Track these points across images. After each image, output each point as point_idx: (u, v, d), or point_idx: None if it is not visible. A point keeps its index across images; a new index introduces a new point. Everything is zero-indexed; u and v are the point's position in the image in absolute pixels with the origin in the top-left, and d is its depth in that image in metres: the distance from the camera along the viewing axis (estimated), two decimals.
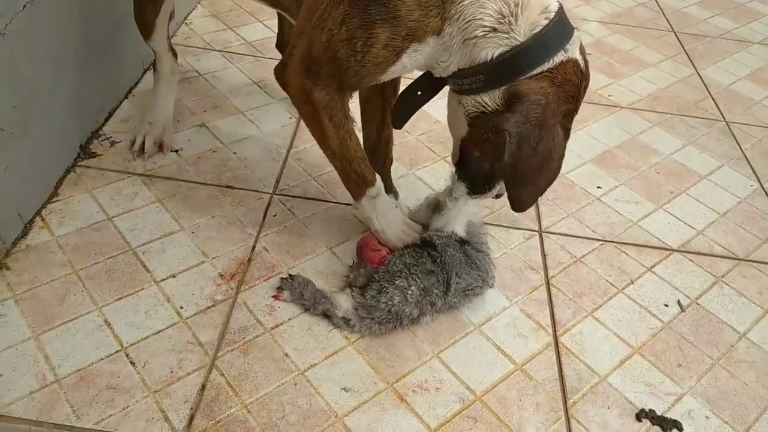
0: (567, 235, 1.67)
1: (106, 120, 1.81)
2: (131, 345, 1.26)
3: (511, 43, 1.12)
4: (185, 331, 1.30)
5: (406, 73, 1.29)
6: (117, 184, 1.62)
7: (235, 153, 1.77)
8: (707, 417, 1.29)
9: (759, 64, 2.62)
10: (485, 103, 1.18)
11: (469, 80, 1.17)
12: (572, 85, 1.16)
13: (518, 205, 1.31)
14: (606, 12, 2.88)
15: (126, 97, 1.92)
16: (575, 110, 1.22)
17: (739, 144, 2.11)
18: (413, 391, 1.26)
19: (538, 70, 1.13)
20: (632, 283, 1.56)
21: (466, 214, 1.42)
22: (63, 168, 1.62)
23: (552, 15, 1.13)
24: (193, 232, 1.51)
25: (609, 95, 2.27)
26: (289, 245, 1.52)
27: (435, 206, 1.48)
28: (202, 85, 2.02)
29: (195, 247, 1.48)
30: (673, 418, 1.28)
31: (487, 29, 1.11)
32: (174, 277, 1.40)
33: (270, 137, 1.85)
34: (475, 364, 1.33)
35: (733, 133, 2.16)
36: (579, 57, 1.18)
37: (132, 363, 1.23)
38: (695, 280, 1.59)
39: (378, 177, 1.41)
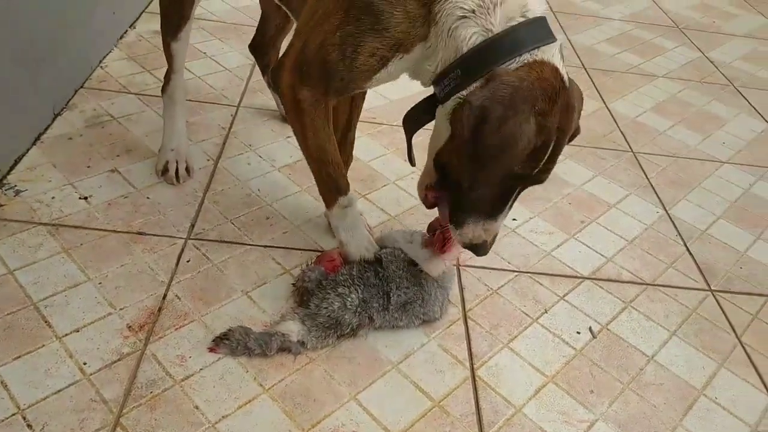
0: (484, 267, 1.70)
1: (11, 168, 1.75)
2: (29, 406, 1.20)
3: (486, 30, 1.14)
4: (88, 388, 1.24)
5: (393, 80, 1.32)
6: (20, 235, 1.55)
7: (148, 198, 1.74)
8: None
9: (663, 96, 2.78)
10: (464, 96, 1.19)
11: (448, 79, 1.19)
12: (548, 84, 1.12)
13: (474, 195, 1.22)
14: None
15: (34, 143, 1.85)
16: (551, 113, 1.13)
17: (645, 173, 2.22)
18: None
19: (513, 63, 1.14)
20: (546, 312, 1.60)
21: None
22: None
23: (529, 16, 1.16)
24: (100, 283, 1.46)
25: None
26: (203, 291, 1.49)
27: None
28: (116, 129, 1.98)
29: (102, 298, 1.43)
30: None
31: (466, 10, 1.14)
32: (78, 331, 1.35)
33: (186, 180, 1.82)
34: (393, 403, 1.33)
35: (639, 163, 2.28)
36: (559, 64, 1.16)
37: (29, 426, 1.17)
38: (605, 306, 1.65)
39: (351, 189, 1.47)
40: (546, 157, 1.18)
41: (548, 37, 1.16)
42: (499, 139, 1.12)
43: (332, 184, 1.44)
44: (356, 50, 1.20)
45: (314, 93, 1.30)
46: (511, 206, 1.28)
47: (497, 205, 1.25)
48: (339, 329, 1.38)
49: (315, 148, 1.38)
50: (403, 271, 1.43)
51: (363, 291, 1.40)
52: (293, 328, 1.37)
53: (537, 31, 1.16)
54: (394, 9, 1.16)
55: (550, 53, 1.15)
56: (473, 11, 1.14)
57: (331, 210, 1.49)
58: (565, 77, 1.16)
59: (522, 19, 1.15)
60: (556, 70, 1.15)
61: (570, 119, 1.18)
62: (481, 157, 1.14)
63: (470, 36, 1.15)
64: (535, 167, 1.19)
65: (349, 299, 1.38)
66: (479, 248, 1.30)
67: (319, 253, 1.59)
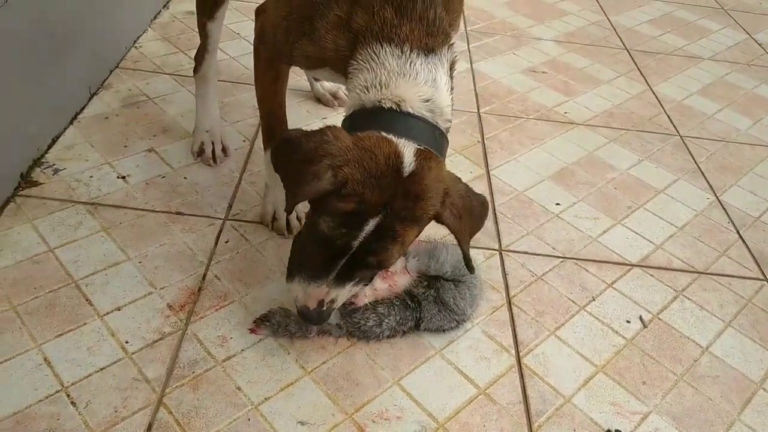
0: (527, 253, 1.65)
1: (49, 147, 1.74)
2: (72, 384, 1.19)
3: (359, 103, 1.18)
4: (130, 367, 1.23)
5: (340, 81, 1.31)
6: (60, 213, 1.54)
7: (185, 178, 1.71)
8: None
9: (710, 79, 2.68)
10: None
11: None
12: (368, 156, 1.08)
13: (301, 244, 1.21)
14: (560, 31, 2.92)
15: (71, 123, 1.84)
16: (359, 182, 1.07)
17: (693, 158, 2.14)
18: (373, 422, 1.21)
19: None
20: (594, 300, 1.55)
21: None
22: (2, 198, 1.54)
23: (402, 107, 1.13)
24: (140, 262, 1.44)
25: (565, 112, 2.29)
26: (242, 272, 1.46)
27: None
28: (152, 109, 1.96)
29: (142, 278, 1.41)
30: None
31: (363, 81, 1.17)
32: (119, 310, 1.33)
33: (222, 161, 1.79)
34: (437, 389, 1.29)
35: (687, 147, 2.19)
36: (403, 149, 1.09)
37: (73, 403, 1.15)
38: (656, 294, 1.59)
39: None
40: (362, 232, 1.08)
41: (402, 133, 1.11)
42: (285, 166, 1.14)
43: (268, 132, 1.52)
44: (296, 43, 1.25)
45: (268, 54, 1.40)
46: (340, 280, 1.16)
47: (317, 267, 1.15)
48: (368, 335, 1.35)
49: (259, 97, 1.49)
50: (435, 304, 1.37)
51: (399, 312, 1.35)
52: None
53: (369, 119, 1.14)
54: (328, 33, 1.20)
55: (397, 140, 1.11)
56: (366, 87, 1.16)
57: (265, 153, 1.55)
58: (407, 165, 1.09)
59: (392, 105, 1.14)
60: (392, 152, 1.09)
61: (409, 207, 1.10)
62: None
63: (353, 99, 1.19)
64: (349, 237, 1.09)
65: (386, 321, 1.33)
66: (300, 312, 1.20)
67: None
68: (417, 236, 1.17)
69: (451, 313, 1.38)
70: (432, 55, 1.16)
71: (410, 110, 1.14)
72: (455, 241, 1.20)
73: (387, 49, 1.14)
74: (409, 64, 1.14)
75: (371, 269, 1.19)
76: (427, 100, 1.15)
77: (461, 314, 1.39)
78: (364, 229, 1.09)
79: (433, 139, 1.15)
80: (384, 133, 1.11)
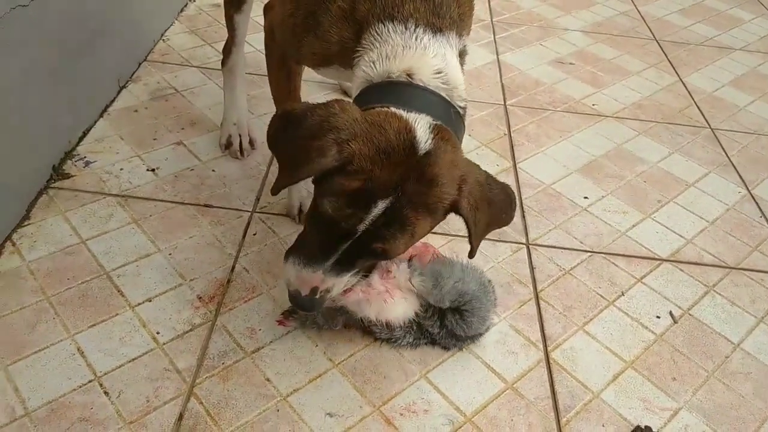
0: (555, 247, 1.64)
1: (80, 140, 1.76)
2: (105, 374, 1.21)
3: (368, 79, 1.14)
4: (162, 357, 1.25)
5: (346, 80, 1.30)
6: (91, 205, 1.56)
7: (213, 171, 1.73)
8: None
9: (742, 70, 2.62)
10: None
11: None
12: (379, 131, 1.01)
13: (304, 229, 1.15)
14: (587, 21, 2.88)
15: (101, 116, 1.87)
16: (370, 160, 1.01)
17: (725, 150, 2.10)
18: (401, 414, 1.21)
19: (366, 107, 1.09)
20: (623, 294, 1.53)
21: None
22: (35, 190, 1.57)
23: (414, 79, 1.10)
24: (170, 254, 1.46)
25: (593, 104, 2.26)
26: (270, 265, 1.47)
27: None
28: (180, 102, 1.97)
29: (172, 269, 1.43)
30: None
31: (369, 60, 1.14)
32: (150, 301, 1.35)
33: (250, 153, 1.80)
34: (464, 383, 1.29)
35: (718, 140, 2.15)
36: (415, 125, 1.03)
37: (106, 393, 1.18)
38: (686, 290, 1.56)
39: None
40: (370, 215, 1.01)
41: (417, 107, 1.06)
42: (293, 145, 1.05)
43: None
44: (303, 40, 1.22)
45: (279, 53, 1.39)
46: (339, 267, 1.08)
47: (316, 250, 1.08)
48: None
49: (274, 95, 1.50)
50: (441, 328, 1.32)
51: (415, 335, 1.32)
52: None
53: (383, 92, 1.09)
54: (332, 27, 1.17)
55: (410, 115, 1.05)
56: (372, 62, 1.13)
57: None
58: (421, 142, 1.02)
59: (403, 79, 1.09)
60: (404, 127, 1.03)
61: (423, 192, 1.02)
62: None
63: (360, 77, 1.15)
64: (355, 219, 1.02)
65: (403, 342, 1.32)
66: (291, 297, 1.13)
67: None
68: (430, 229, 1.08)
69: (457, 338, 1.33)
70: (440, 34, 1.12)
71: (422, 82, 1.09)
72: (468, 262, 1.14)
73: (390, 26, 1.11)
74: (415, 38, 1.10)
75: (375, 257, 1.11)
76: (439, 72, 1.10)
77: (468, 338, 1.34)
78: (372, 210, 1.00)
79: (449, 117, 1.09)
80: (394, 109, 1.04)
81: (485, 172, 1.13)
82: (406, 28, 1.11)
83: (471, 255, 1.13)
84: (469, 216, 1.06)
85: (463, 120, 1.15)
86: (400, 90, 1.09)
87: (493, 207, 1.11)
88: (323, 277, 1.09)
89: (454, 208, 1.06)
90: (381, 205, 1.01)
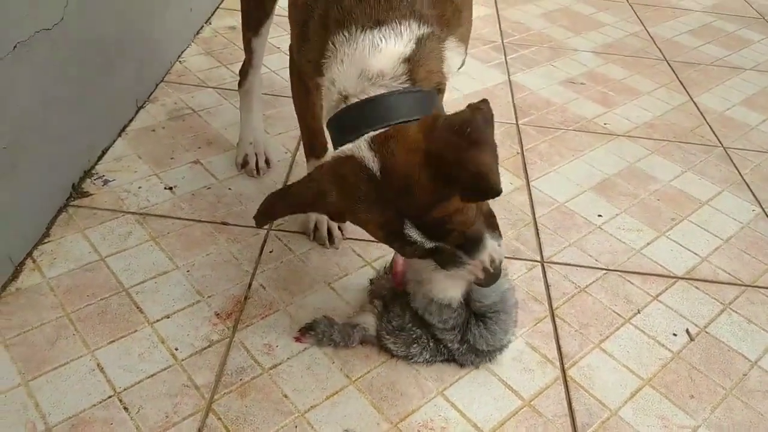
0: (570, 264, 1.64)
1: (99, 159, 1.79)
2: (125, 390, 1.22)
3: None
4: (180, 373, 1.25)
5: None
6: (110, 223, 1.59)
7: (230, 189, 1.75)
8: None
9: (753, 89, 2.63)
10: None
11: None
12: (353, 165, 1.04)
13: None
14: (597, 42, 2.91)
15: (119, 135, 1.90)
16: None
17: (738, 169, 2.10)
18: (418, 431, 1.21)
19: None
20: (639, 312, 1.53)
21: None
22: (55, 208, 1.59)
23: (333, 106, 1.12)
24: (188, 271, 1.48)
25: (605, 124, 2.27)
26: (286, 282, 1.48)
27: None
28: (197, 122, 2.00)
29: (190, 286, 1.44)
30: None
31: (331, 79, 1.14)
32: (168, 317, 1.36)
33: (266, 172, 1.83)
34: (482, 401, 1.28)
35: (731, 159, 2.15)
36: (351, 148, 1.05)
37: (126, 408, 1.18)
38: (702, 307, 1.56)
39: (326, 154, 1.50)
40: (415, 241, 1.06)
41: (363, 127, 1.05)
42: None
43: (308, 145, 1.56)
44: (302, 51, 1.25)
45: (296, 70, 1.41)
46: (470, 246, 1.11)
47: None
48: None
49: (297, 111, 1.52)
50: (461, 344, 1.32)
51: (431, 351, 1.32)
52: (371, 322, 1.35)
53: (352, 117, 1.09)
54: (314, 35, 1.17)
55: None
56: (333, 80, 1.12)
57: (307, 165, 1.59)
58: (373, 167, 1.02)
59: (342, 102, 1.10)
60: (357, 165, 1.04)
61: (415, 194, 1.01)
62: None
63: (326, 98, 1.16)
64: (415, 247, 1.07)
65: (419, 358, 1.33)
66: (494, 274, 1.16)
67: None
68: (462, 203, 1.02)
69: (476, 353, 1.32)
70: (381, 27, 1.06)
71: (356, 99, 1.07)
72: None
73: (339, 37, 1.08)
74: (352, 46, 1.07)
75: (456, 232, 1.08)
76: (375, 76, 1.05)
77: (487, 353, 1.33)
78: (412, 237, 1.04)
79: (414, 105, 1.05)
80: (344, 148, 1.05)
81: (444, 119, 1.01)
82: (349, 35, 1.07)
83: (494, 190, 0.98)
84: (459, 174, 0.98)
85: (431, 93, 1.09)
86: (345, 118, 1.09)
87: (464, 137, 0.98)
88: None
89: (446, 179, 1.00)
90: (413, 231, 1.04)
